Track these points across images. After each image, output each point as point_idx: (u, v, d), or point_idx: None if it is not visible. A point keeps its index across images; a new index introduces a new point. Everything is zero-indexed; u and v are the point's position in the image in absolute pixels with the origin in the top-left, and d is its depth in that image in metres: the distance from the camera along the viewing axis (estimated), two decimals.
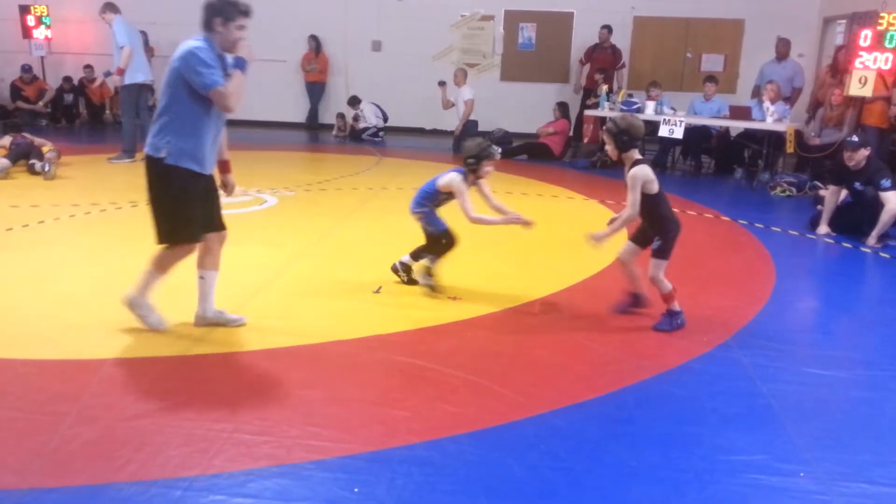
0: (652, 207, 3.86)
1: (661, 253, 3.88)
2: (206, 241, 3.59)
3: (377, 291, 4.34)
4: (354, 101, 11.98)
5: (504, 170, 9.37)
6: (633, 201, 3.81)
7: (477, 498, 2.39)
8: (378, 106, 11.94)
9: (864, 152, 6.02)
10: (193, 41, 3.33)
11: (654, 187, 3.83)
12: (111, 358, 3.33)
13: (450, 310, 4.10)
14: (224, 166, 3.75)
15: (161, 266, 3.55)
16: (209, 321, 3.69)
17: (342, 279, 4.60)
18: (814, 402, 3.22)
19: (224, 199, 3.73)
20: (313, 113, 12.85)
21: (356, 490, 2.39)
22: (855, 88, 7.79)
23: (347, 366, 3.35)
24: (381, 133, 11.86)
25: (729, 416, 3.01)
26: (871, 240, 5.96)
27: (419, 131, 12.76)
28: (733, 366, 3.51)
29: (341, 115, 12.26)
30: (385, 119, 11.97)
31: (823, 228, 6.35)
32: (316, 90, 12.75)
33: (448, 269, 4.53)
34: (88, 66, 12.34)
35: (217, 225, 3.65)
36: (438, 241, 4.38)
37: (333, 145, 11.58)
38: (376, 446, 2.65)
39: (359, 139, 11.63)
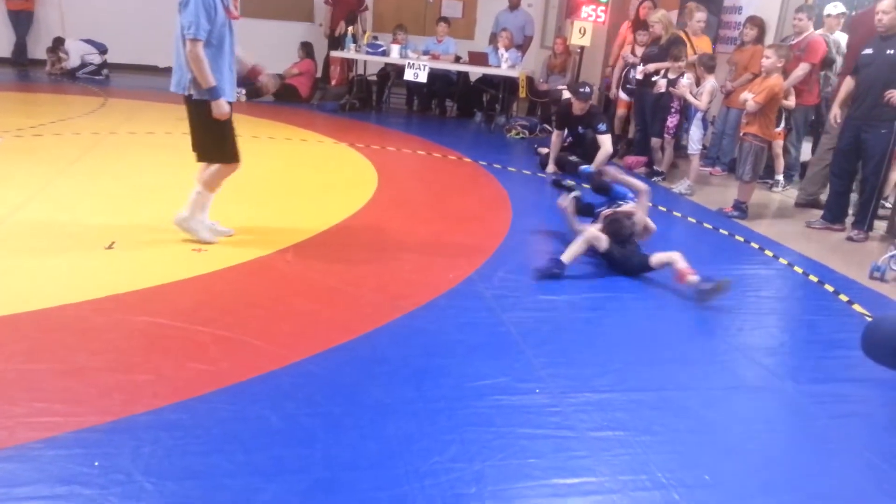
0: None
1: None
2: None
3: (110, 247, 3.95)
4: (57, 44, 10.63)
5: (250, 112, 8.97)
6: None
7: (233, 455, 2.31)
8: (91, 41, 10.64)
9: (591, 102, 6.73)
10: None
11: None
12: None
13: (194, 262, 3.86)
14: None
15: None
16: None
17: (67, 235, 4.10)
18: (546, 326, 3.56)
19: None
20: (20, 46, 11.16)
21: (96, 464, 2.19)
22: (576, 38, 8.53)
23: (78, 332, 3.01)
24: (103, 71, 10.65)
25: (474, 346, 3.23)
26: None
27: (152, 69, 11.69)
28: (477, 298, 3.75)
29: (54, 50, 10.79)
30: (103, 52, 10.71)
31: (551, 168, 6.99)
32: (22, 20, 11.06)
33: None
34: None
35: None
36: None
37: (48, 84, 10.18)
38: (117, 415, 2.44)
39: (76, 78, 10.35)
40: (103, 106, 8.53)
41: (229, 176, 4.18)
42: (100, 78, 10.51)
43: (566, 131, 7.02)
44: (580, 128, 6.78)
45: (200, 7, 3.70)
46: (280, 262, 4.01)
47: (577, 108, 6.66)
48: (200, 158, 4.12)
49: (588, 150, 6.73)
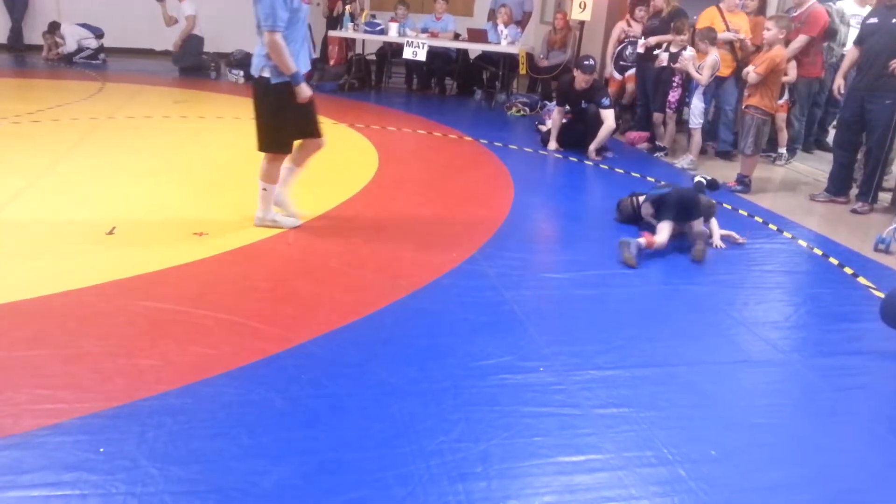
0: None
1: None
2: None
3: (111, 232, 3.94)
4: (53, 28, 10.51)
5: (245, 93, 8.89)
6: None
7: (238, 438, 2.31)
8: (87, 26, 10.56)
9: (595, 76, 6.64)
10: None
11: None
12: None
13: (195, 247, 3.85)
14: None
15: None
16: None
17: (67, 221, 4.09)
18: (550, 304, 3.55)
19: None
20: (16, 31, 11.07)
21: (102, 450, 2.19)
22: (576, 13, 8.42)
23: (81, 318, 3.01)
24: (100, 55, 10.57)
25: (478, 325, 3.22)
26: (591, 153, 6.63)
27: (148, 52, 11.60)
28: (480, 277, 3.74)
29: (50, 34, 10.69)
30: (100, 36, 10.62)
31: (553, 145, 6.94)
32: (18, 5, 10.95)
33: (189, 201, 4.25)
34: None
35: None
36: None
37: (45, 70, 10.10)
38: (121, 401, 2.44)
39: (73, 63, 10.27)
40: (101, 90, 8.48)
41: (279, 163, 4.12)
42: (97, 62, 10.44)
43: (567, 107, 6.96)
44: (583, 102, 6.71)
45: None
46: (281, 245, 4.00)
47: (581, 81, 6.57)
48: (260, 148, 4.07)
49: (590, 125, 6.66)
